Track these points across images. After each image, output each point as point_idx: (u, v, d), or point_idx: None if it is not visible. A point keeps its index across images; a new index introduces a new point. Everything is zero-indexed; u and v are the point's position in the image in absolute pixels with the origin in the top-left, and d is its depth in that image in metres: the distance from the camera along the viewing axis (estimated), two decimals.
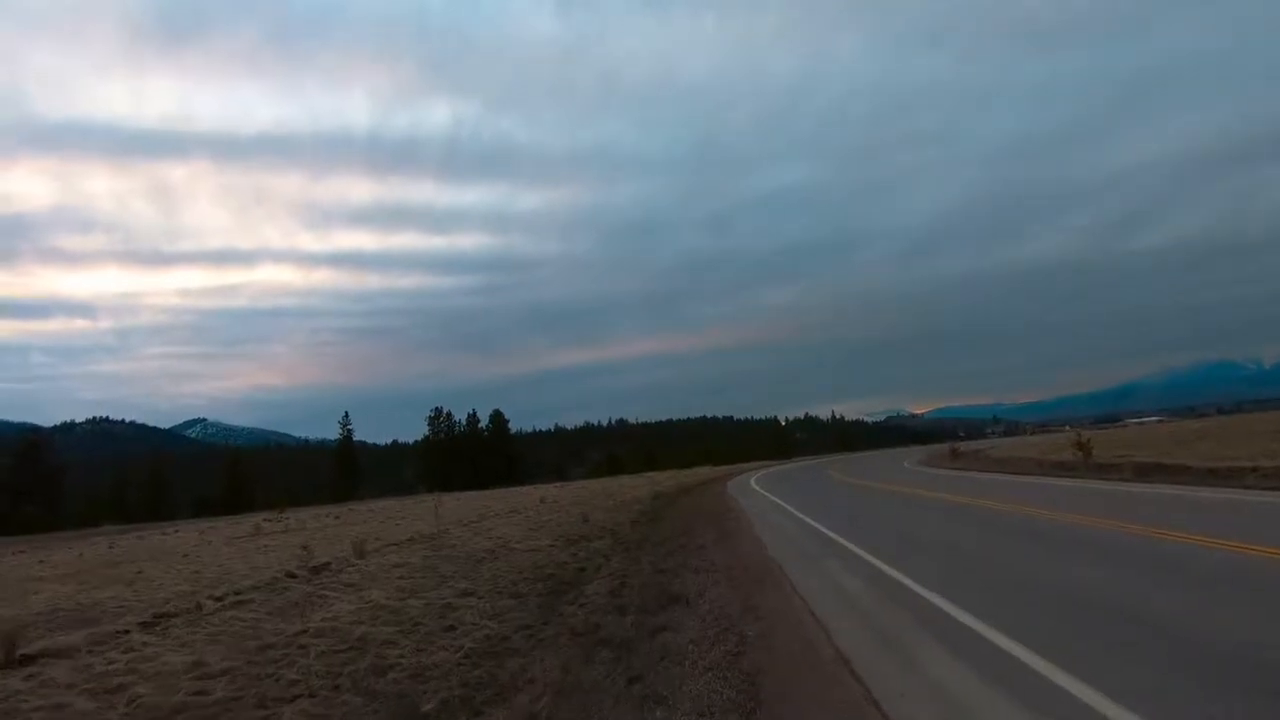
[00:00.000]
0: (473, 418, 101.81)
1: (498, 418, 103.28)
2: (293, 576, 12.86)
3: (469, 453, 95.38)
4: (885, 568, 7.63)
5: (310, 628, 7.84)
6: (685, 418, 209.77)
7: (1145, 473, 15.38)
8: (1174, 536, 7.68)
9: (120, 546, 28.70)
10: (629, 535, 13.64)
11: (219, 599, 10.68)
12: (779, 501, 19.22)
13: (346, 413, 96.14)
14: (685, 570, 8.23)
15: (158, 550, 24.35)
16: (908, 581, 6.79)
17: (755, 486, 28.23)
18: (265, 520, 40.99)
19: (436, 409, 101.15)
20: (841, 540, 10.08)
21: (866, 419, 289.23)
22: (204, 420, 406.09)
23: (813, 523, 12.94)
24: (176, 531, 37.99)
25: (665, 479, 47.53)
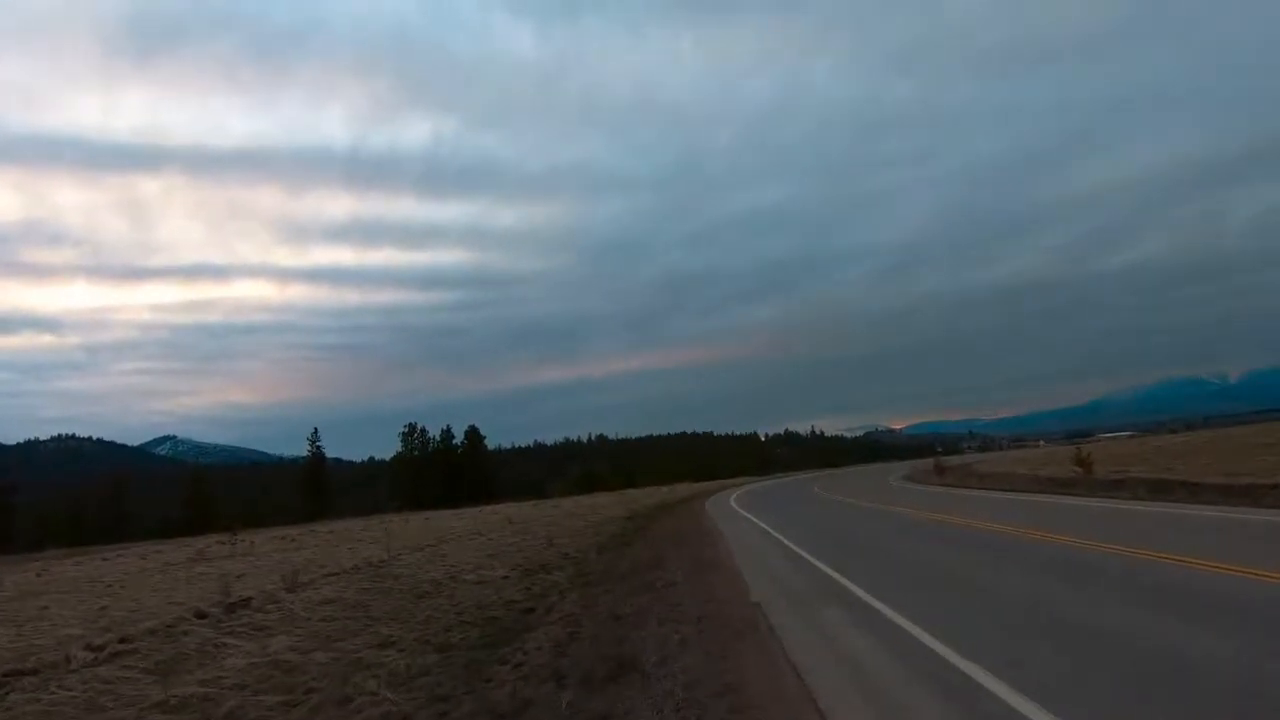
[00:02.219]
0: (446, 433, 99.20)
1: (473, 434, 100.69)
2: (203, 617, 11.14)
3: (442, 470, 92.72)
4: (908, 625, 5.59)
5: (174, 696, 6.21)
6: (665, 433, 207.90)
7: (1160, 490, 14.15)
8: (1272, 577, 5.90)
9: (49, 575, 26.41)
10: (593, 565, 12.10)
11: (98, 649, 8.95)
12: (761, 524, 17.50)
13: (315, 429, 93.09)
14: (649, 618, 6.60)
15: (83, 580, 22.25)
16: (948, 653, 4.68)
17: (736, 507, 26.55)
18: (219, 543, 38.68)
19: (410, 425, 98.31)
20: (838, 577, 8.37)
21: (846, 435, 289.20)
22: (174, 438, 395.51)
23: (801, 551, 11.29)
24: (120, 556, 35.52)
25: (643, 497, 45.92)
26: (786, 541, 12.97)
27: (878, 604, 6.56)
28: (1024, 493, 19.17)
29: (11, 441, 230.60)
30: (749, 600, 7.50)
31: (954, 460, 58.68)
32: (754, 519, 19.57)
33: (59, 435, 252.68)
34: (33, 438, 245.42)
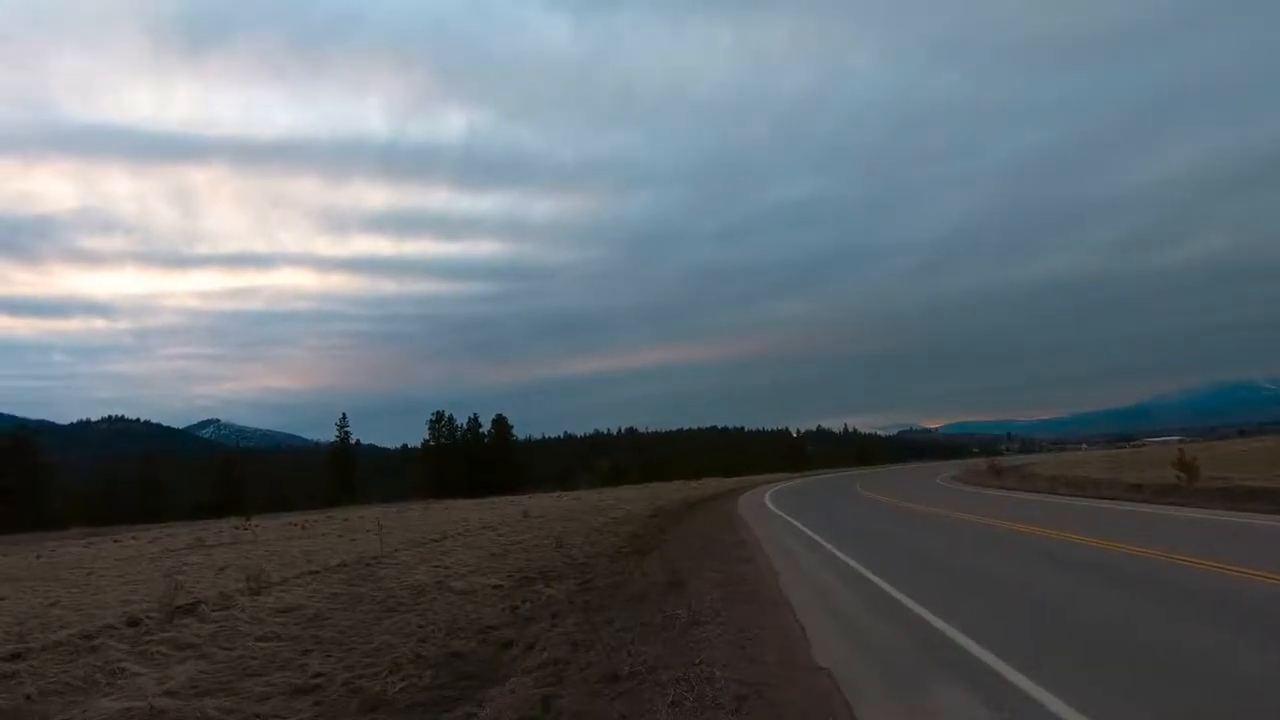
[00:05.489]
0: (474, 422, 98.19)
1: (500, 423, 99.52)
2: (135, 624, 9.37)
3: (468, 459, 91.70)
4: None
5: None
6: (695, 428, 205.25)
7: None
8: None
9: (49, 558, 25.36)
10: (601, 576, 9.99)
11: None
12: (806, 530, 14.56)
13: (344, 415, 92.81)
14: (658, 693, 4.19)
15: (73, 564, 21.00)
16: None
17: (772, 507, 23.97)
18: (234, 528, 37.73)
19: (438, 413, 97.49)
20: (942, 625, 5.62)
21: (879, 433, 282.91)
22: (218, 421, 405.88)
23: (869, 575, 8.29)
24: (133, 539, 34.67)
25: (670, 491, 43.77)
26: (844, 557, 9.99)
27: (1035, 688, 3.96)
28: (1117, 500, 16.20)
29: (65, 422, 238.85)
30: (812, 662, 4.94)
31: (1010, 462, 55.08)
32: (795, 523, 16.69)
33: (109, 416, 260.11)
34: (85, 418, 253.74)
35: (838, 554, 10.47)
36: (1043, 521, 12.62)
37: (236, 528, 37.25)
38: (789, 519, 18.13)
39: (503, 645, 6.53)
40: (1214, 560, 7.51)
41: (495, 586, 10.17)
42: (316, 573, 13.76)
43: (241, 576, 12.74)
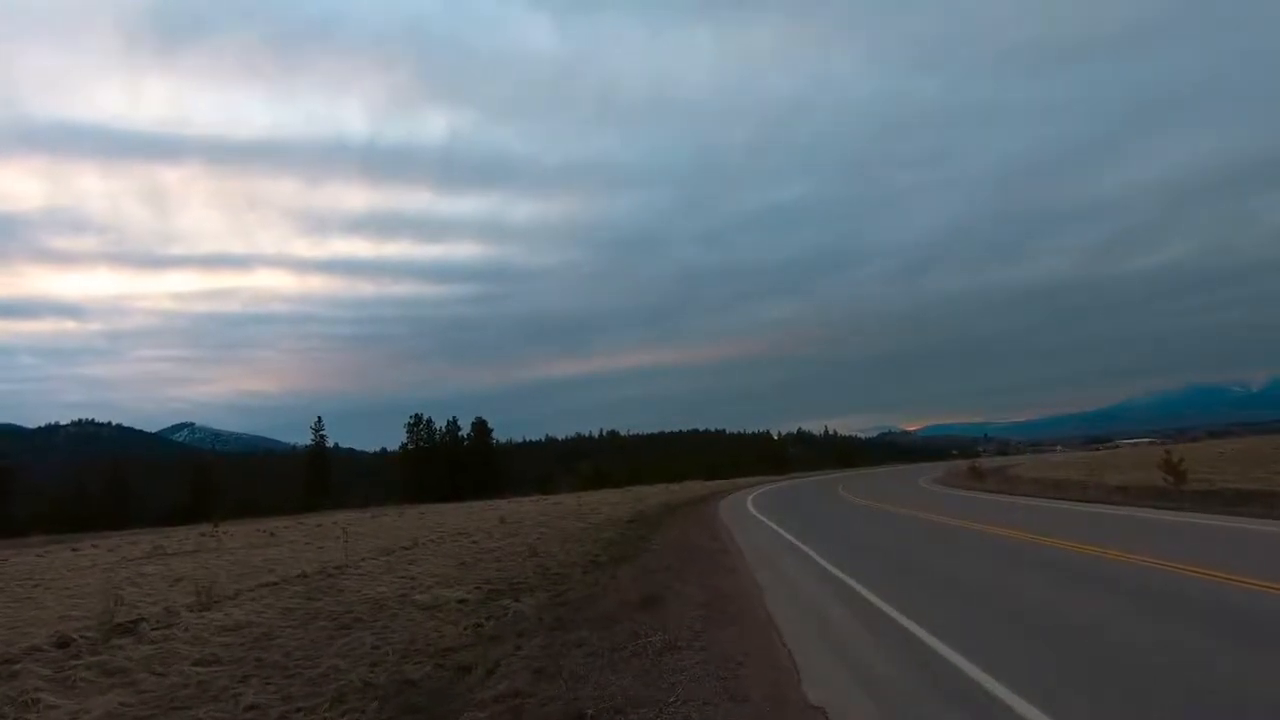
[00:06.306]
0: (453, 425, 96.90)
1: (479, 426, 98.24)
2: (64, 645, 8.63)
3: (448, 462, 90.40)
4: None
5: None
6: (678, 430, 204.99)
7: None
8: None
9: (1, 567, 24.17)
10: (574, 589, 9.40)
11: None
12: (790, 539, 13.83)
13: (319, 418, 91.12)
14: None
15: (23, 575, 19.95)
16: None
17: (755, 511, 23.47)
18: (200, 535, 36.50)
19: (416, 416, 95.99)
20: (950, 653, 4.92)
21: (859, 435, 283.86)
22: (192, 425, 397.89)
23: (862, 590, 7.55)
24: (93, 547, 33.37)
25: (651, 495, 43.21)
26: (833, 570, 9.17)
27: None
28: (1108, 505, 15.69)
29: (32, 425, 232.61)
30: (803, 699, 4.28)
31: (990, 464, 55.13)
32: (779, 530, 16.03)
33: (79, 420, 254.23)
34: (53, 422, 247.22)
35: (826, 566, 9.71)
36: (1037, 528, 11.98)
37: (202, 535, 36.03)
38: (772, 525, 17.59)
39: (461, 670, 5.93)
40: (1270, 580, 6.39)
41: (461, 600, 9.53)
42: (275, 584, 13.01)
43: (194, 589, 11.97)
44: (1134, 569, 7.77)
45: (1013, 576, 8.05)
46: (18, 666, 7.59)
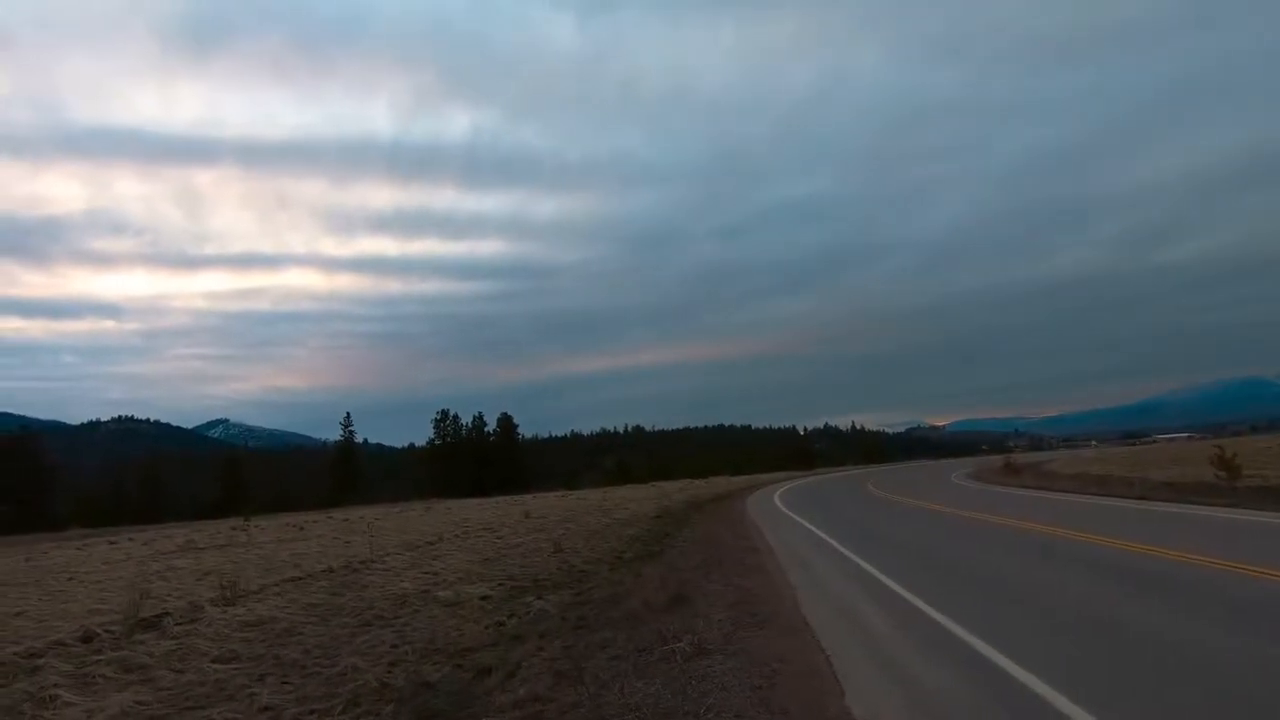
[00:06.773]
0: (479, 421, 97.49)
1: (505, 422, 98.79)
2: (88, 640, 8.61)
3: (474, 458, 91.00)
4: None
5: None
6: (703, 426, 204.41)
7: None
8: None
9: (40, 559, 24.73)
10: (598, 588, 9.14)
11: None
12: (823, 535, 13.13)
13: (348, 414, 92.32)
14: None
15: (59, 568, 20.29)
16: None
17: (783, 507, 22.94)
18: (232, 529, 37.09)
19: (442, 412, 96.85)
20: (1032, 681, 4.13)
21: (887, 430, 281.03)
22: (226, 421, 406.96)
23: (904, 593, 6.91)
24: (130, 540, 34.05)
25: (676, 490, 42.90)
26: (871, 569, 8.55)
27: None
28: (1161, 501, 14.86)
29: (75, 422, 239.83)
30: (845, 712, 3.91)
31: (1025, 459, 53.89)
32: (810, 526, 15.47)
33: (119, 417, 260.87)
34: (95, 419, 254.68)
35: (862, 564, 9.15)
36: (1096, 528, 11.04)
37: (233, 529, 36.60)
38: (802, 521, 17.13)
39: (481, 672, 5.70)
40: None
41: (483, 597, 9.34)
42: (300, 579, 12.99)
43: (219, 584, 11.96)
44: (1210, 571, 7.11)
45: (1072, 580, 7.41)
46: (40, 661, 7.57)
